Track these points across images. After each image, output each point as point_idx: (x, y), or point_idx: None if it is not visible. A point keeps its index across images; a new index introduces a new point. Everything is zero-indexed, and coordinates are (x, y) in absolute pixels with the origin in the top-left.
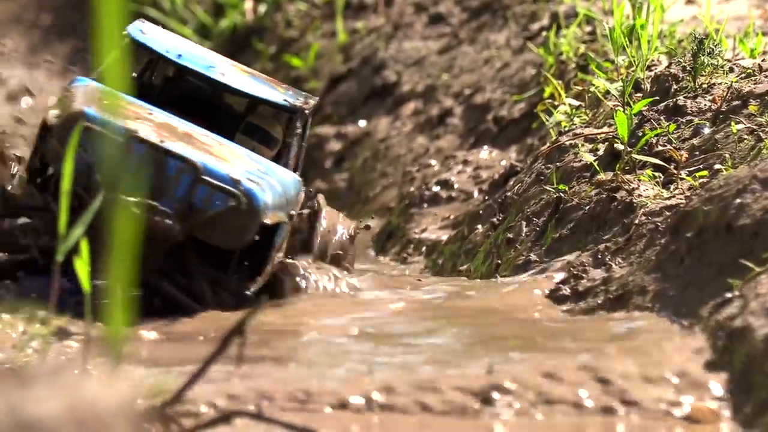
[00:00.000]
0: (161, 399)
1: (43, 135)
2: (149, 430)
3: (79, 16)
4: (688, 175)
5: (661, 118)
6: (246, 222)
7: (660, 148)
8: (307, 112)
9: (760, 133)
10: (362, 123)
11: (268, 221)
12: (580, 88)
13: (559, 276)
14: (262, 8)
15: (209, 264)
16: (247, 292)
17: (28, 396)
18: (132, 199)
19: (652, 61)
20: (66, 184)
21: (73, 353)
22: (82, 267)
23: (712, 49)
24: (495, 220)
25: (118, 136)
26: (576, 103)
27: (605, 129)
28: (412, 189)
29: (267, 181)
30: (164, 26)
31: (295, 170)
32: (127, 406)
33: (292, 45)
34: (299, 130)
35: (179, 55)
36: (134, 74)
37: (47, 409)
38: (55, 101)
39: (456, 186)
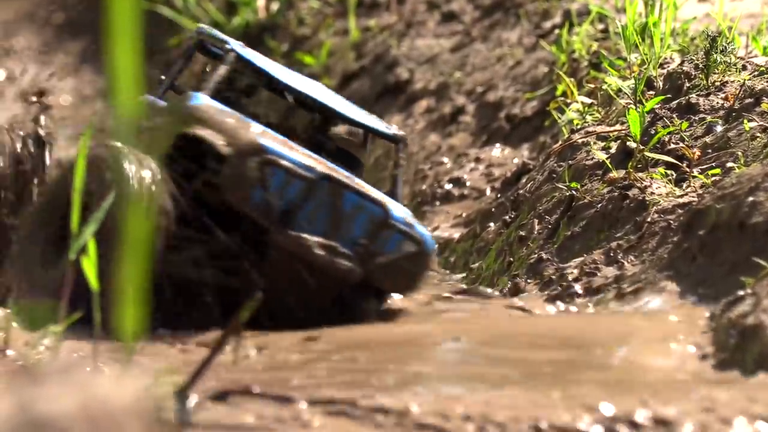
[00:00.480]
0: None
1: (204, 160)
2: (160, 427)
3: (91, 14)
4: (700, 173)
5: (674, 116)
6: (422, 267)
7: (672, 146)
8: (406, 142)
9: None
10: None
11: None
12: (593, 85)
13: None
14: (275, 6)
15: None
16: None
17: (40, 393)
18: (314, 239)
19: (665, 58)
20: (77, 186)
21: (85, 351)
22: (89, 266)
23: (725, 47)
24: (507, 217)
25: (309, 174)
26: (588, 101)
27: (618, 127)
28: (424, 187)
29: (420, 225)
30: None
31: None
32: (139, 404)
33: (304, 43)
34: (403, 161)
35: (288, 79)
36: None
37: (59, 407)
38: (178, 120)
39: (468, 184)
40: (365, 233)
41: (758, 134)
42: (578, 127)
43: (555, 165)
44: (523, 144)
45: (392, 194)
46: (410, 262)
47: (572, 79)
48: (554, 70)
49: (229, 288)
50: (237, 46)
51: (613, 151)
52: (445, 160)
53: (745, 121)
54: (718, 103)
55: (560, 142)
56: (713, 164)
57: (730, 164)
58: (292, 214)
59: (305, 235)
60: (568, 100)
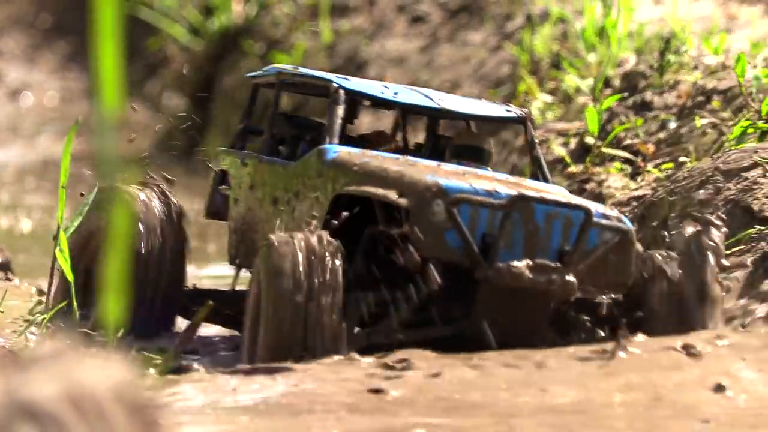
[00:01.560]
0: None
1: (376, 218)
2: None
3: (77, 17)
4: (654, 167)
5: (630, 113)
6: (631, 255)
7: (628, 141)
8: (532, 119)
9: (723, 128)
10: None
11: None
12: (553, 84)
13: None
14: (251, 9)
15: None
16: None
17: (26, 379)
18: (522, 263)
19: (622, 59)
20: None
21: (71, 339)
22: (62, 259)
23: (678, 48)
24: None
25: (494, 200)
26: (549, 99)
27: (576, 124)
28: None
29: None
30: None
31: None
32: (120, 388)
33: (279, 44)
34: (536, 139)
35: (396, 93)
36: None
37: (44, 392)
38: (329, 180)
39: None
40: (564, 239)
41: (709, 130)
42: (539, 124)
43: (517, 160)
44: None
45: (540, 176)
46: (617, 252)
47: (534, 78)
48: (517, 70)
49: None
50: (341, 81)
51: (572, 146)
52: None
53: (697, 117)
54: (671, 101)
55: (523, 139)
56: (666, 159)
57: (682, 159)
58: (491, 246)
59: (514, 263)
60: (530, 98)
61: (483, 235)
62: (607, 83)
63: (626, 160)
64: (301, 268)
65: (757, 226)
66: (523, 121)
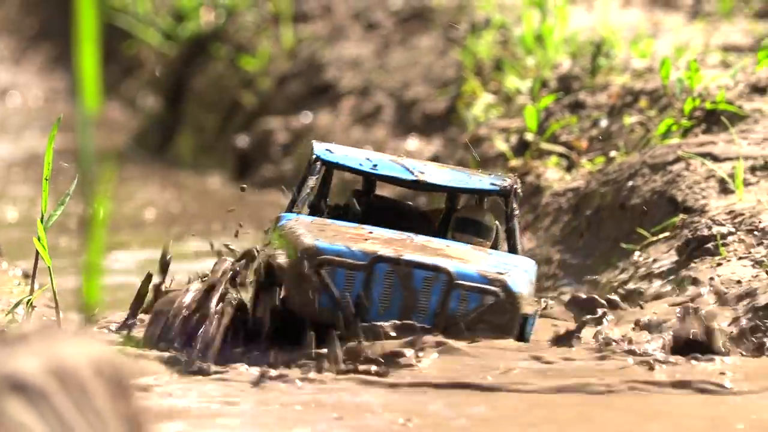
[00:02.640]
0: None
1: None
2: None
3: (60, 22)
4: (587, 161)
5: (565, 111)
6: (509, 316)
7: (564, 137)
8: (518, 190)
9: (649, 125)
10: (306, 117)
11: (528, 311)
12: (495, 85)
13: None
14: (219, 17)
15: None
16: None
17: (11, 354)
18: (387, 323)
19: (557, 62)
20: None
21: (54, 317)
22: (40, 246)
23: (609, 53)
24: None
25: (360, 262)
26: (491, 98)
27: (517, 121)
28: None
29: (512, 270)
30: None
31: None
32: (98, 362)
33: (245, 49)
34: (516, 211)
35: (375, 166)
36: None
37: (29, 365)
38: (270, 242)
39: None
40: (436, 303)
41: (636, 128)
42: (483, 121)
43: (464, 154)
44: (435, 136)
45: (511, 248)
46: (495, 313)
47: (478, 80)
48: (462, 72)
49: None
50: (321, 152)
51: (512, 142)
52: (368, 149)
53: (626, 116)
54: (602, 100)
55: (467, 135)
56: (598, 153)
57: (612, 153)
58: (364, 307)
59: (379, 323)
60: (474, 98)
61: (356, 296)
62: (544, 84)
63: (562, 155)
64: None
65: (681, 215)
66: (506, 195)
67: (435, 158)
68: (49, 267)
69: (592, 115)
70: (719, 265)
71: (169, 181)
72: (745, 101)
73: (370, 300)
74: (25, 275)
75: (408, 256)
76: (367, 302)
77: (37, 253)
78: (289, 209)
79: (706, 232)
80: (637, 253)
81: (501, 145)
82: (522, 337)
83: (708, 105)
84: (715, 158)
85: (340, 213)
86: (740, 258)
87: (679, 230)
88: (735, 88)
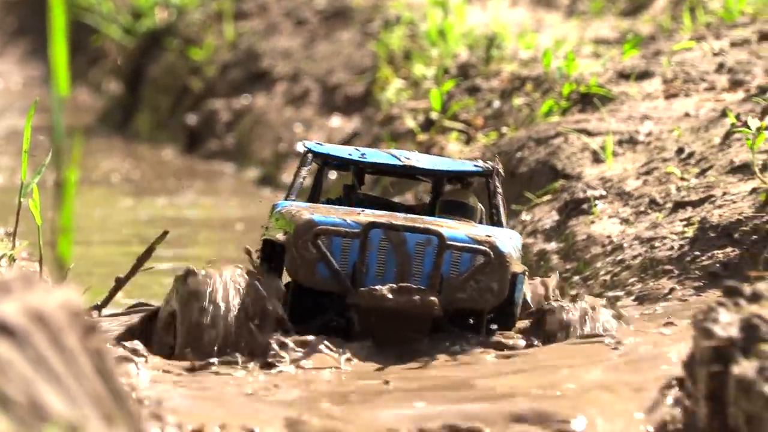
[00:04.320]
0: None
1: (273, 250)
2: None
3: (36, 20)
4: (483, 136)
5: (464, 94)
6: (499, 275)
7: (463, 116)
8: (501, 171)
9: (534, 106)
10: (246, 99)
11: (517, 270)
12: (405, 72)
13: None
14: (171, 15)
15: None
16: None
17: None
18: (384, 287)
19: (457, 53)
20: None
21: (33, 270)
22: (34, 207)
23: (500, 45)
24: None
25: (354, 230)
26: (402, 84)
27: (423, 102)
28: (281, 147)
29: (499, 235)
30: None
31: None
32: (69, 307)
33: (193, 42)
34: (499, 189)
35: (363, 155)
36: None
37: (11, 310)
38: (268, 223)
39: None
40: (430, 265)
41: (523, 108)
42: (395, 103)
43: (379, 131)
44: (355, 115)
45: (496, 222)
46: (487, 272)
47: (390, 68)
48: (377, 62)
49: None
50: (312, 145)
51: (420, 120)
52: (298, 127)
53: (514, 98)
54: (495, 85)
55: (382, 114)
56: (492, 129)
57: (504, 129)
58: (361, 273)
59: (377, 287)
60: (387, 84)
61: (354, 263)
62: (446, 72)
63: (461, 131)
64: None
65: (561, 181)
66: (489, 175)
67: (354, 134)
68: (38, 226)
69: (486, 98)
70: (593, 222)
71: (129, 153)
72: (613, 85)
73: (367, 266)
74: (7, 234)
75: (400, 222)
76: (363, 268)
77: (18, 213)
78: (286, 197)
79: (581, 195)
80: (524, 213)
81: (410, 122)
82: (512, 296)
83: (582, 89)
84: (589, 133)
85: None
86: (610, 217)
87: (560, 194)
88: (605, 74)
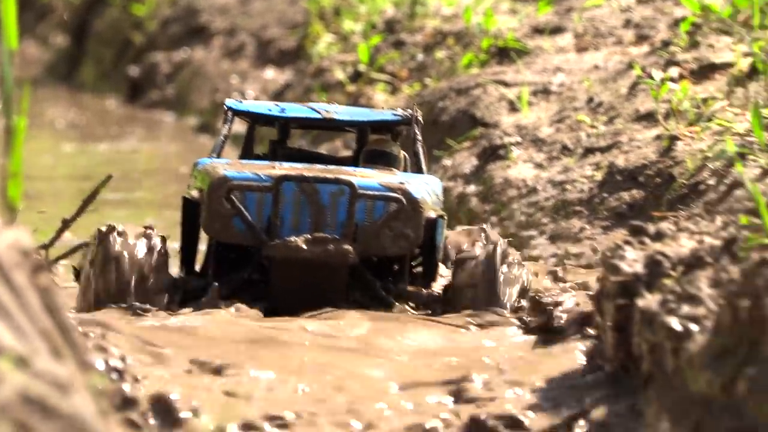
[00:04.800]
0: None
1: (189, 212)
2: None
3: None
4: (407, 87)
5: (390, 48)
6: (414, 221)
7: (389, 68)
8: (420, 118)
9: (455, 59)
10: (185, 52)
11: (432, 214)
12: (335, 28)
13: None
14: None
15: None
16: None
17: None
18: (299, 238)
19: (383, 9)
20: None
21: None
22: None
23: (423, 1)
24: None
25: (270, 182)
26: (332, 38)
27: (352, 56)
28: (219, 97)
29: (413, 181)
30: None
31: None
32: (21, 249)
33: None
34: (419, 137)
35: (283, 110)
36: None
37: None
38: (189, 181)
39: (250, 94)
40: (344, 214)
41: (445, 61)
42: (325, 56)
43: (310, 82)
44: (288, 68)
45: (418, 169)
46: (401, 218)
47: (321, 24)
48: (309, 18)
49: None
50: (233, 103)
51: (349, 72)
52: (234, 79)
53: (437, 51)
54: (419, 39)
55: (313, 67)
56: (416, 81)
57: (427, 81)
58: (276, 226)
59: (291, 238)
60: (318, 38)
61: (268, 217)
62: (373, 27)
63: (387, 82)
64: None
65: (480, 129)
66: (408, 122)
67: (287, 85)
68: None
69: (410, 51)
70: (509, 167)
71: (74, 102)
72: (528, 40)
73: (281, 219)
74: None
75: (311, 174)
76: (278, 221)
77: None
78: (210, 155)
79: (498, 142)
80: (446, 159)
81: (339, 74)
82: (432, 242)
83: (500, 43)
84: (506, 84)
85: (261, 159)
86: (525, 162)
87: (479, 140)
88: (521, 29)
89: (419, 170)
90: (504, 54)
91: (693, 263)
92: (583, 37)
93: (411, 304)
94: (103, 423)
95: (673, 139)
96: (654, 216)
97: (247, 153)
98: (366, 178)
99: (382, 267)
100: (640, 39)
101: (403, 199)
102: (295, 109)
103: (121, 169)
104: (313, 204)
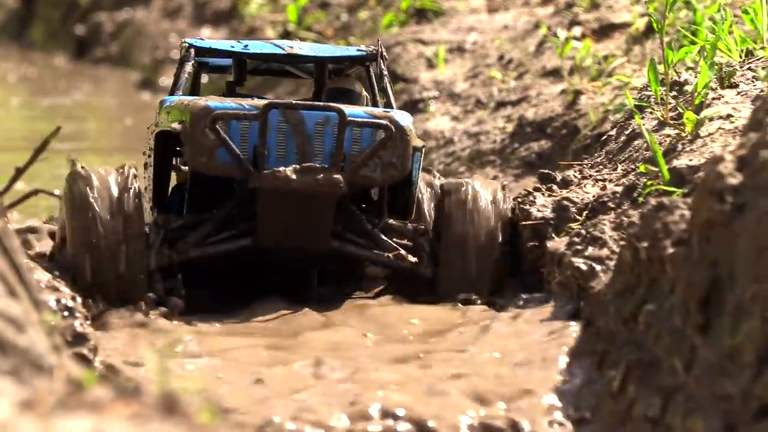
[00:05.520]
0: None
1: (166, 144)
2: None
3: None
4: (334, 44)
5: (317, 8)
6: (401, 149)
7: (316, 27)
8: (384, 54)
9: (377, 19)
10: (128, 12)
11: (418, 143)
12: None
13: None
14: None
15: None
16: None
17: None
18: (288, 168)
19: None
20: None
21: None
22: None
23: None
24: None
25: (256, 111)
26: (262, 0)
27: (282, 16)
28: (158, 55)
29: (395, 112)
30: None
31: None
32: None
33: None
34: (386, 72)
35: (246, 46)
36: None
37: None
38: (158, 119)
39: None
40: (331, 143)
41: (368, 21)
42: (256, 15)
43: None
44: (222, 27)
45: (387, 105)
46: (389, 146)
47: None
48: None
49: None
50: (193, 40)
51: (279, 31)
52: (173, 37)
53: (360, 12)
54: (343, 0)
55: (246, 26)
56: (340, 39)
57: (351, 39)
58: (263, 156)
59: (280, 168)
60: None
61: (254, 147)
62: None
63: (315, 40)
64: (100, 201)
65: (401, 84)
66: (374, 59)
67: None
68: None
69: (335, 12)
70: (428, 120)
71: (25, 59)
72: (444, 2)
73: (267, 149)
74: None
75: (298, 101)
76: (264, 151)
77: None
78: (171, 94)
79: (418, 96)
80: None
81: (270, 33)
82: (410, 175)
83: (418, 4)
84: (424, 43)
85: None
86: (442, 115)
87: (400, 95)
88: None
89: (389, 105)
90: (422, 15)
91: (597, 208)
92: None
93: (397, 240)
94: (56, 357)
95: (577, 93)
96: (561, 165)
97: (179, 82)
98: (351, 107)
99: (359, 199)
100: (546, 1)
101: (392, 127)
102: (257, 46)
103: (69, 121)
104: (298, 133)
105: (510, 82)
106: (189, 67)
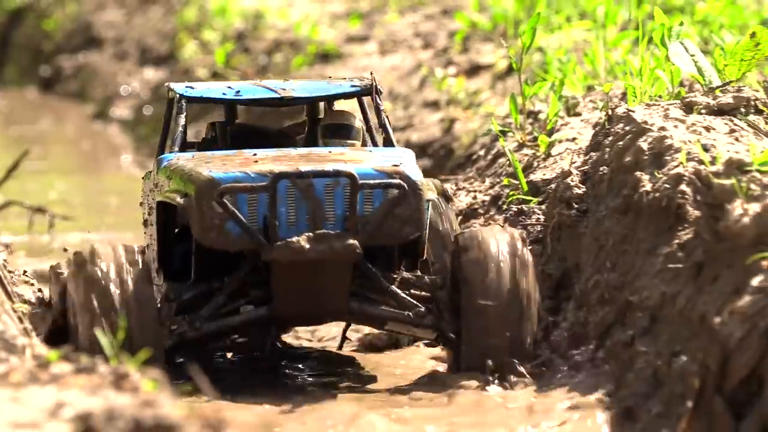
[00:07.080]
0: None
1: (167, 211)
2: None
3: None
4: None
5: (240, 52)
6: (415, 205)
7: (240, 68)
8: (379, 87)
9: (289, 61)
10: (83, 56)
11: (431, 195)
12: (198, 36)
13: None
14: None
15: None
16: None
17: None
18: (300, 237)
19: (234, 23)
20: None
21: None
22: None
23: (264, 18)
24: None
25: (261, 183)
26: (196, 45)
27: (210, 59)
28: (110, 90)
29: (404, 160)
30: None
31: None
32: None
33: (46, 15)
34: (383, 106)
35: (237, 92)
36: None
37: None
38: (151, 175)
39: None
40: (346, 205)
41: (282, 63)
42: (190, 59)
43: (180, 79)
44: (162, 68)
45: (387, 142)
46: (403, 204)
47: (188, 34)
48: (178, 29)
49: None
50: (184, 90)
51: (209, 71)
52: (121, 76)
53: (275, 55)
54: (262, 46)
55: (182, 68)
56: (261, 77)
57: (269, 75)
58: (274, 226)
59: (293, 238)
60: (185, 45)
61: (264, 217)
62: (226, 36)
63: (238, 78)
64: (111, 278)
65: None
66: (368, 93)
67: (164, 83)
68: None
69: (255, 55)
70: None
71: (0, 94)
72: (344, 46)
73: (278, 218)
74: None
75: (306, 167)
76: (275, 221)
77: None
78: (161, 151)
79: None
80: None
81: (202, 73)
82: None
83: (322, 49)
84: None
85: (209, 145)
86: None
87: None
88: (338, 38)
89: (389, 142)
90: (326, 57)
91: (469, 214)
92: (384, 44)
93: (414, 292)
94: (26, 339)
95: (453, 120)
96: (440, 179)
97: (182, 141)
98: (358, 162)
99: (372, 255)
100: (427, 46)
101: (404, 185)
102: (250, 90)
103: (36, 145)
104: (308, 198)
105: (398, 111)
106: (183, 119)
